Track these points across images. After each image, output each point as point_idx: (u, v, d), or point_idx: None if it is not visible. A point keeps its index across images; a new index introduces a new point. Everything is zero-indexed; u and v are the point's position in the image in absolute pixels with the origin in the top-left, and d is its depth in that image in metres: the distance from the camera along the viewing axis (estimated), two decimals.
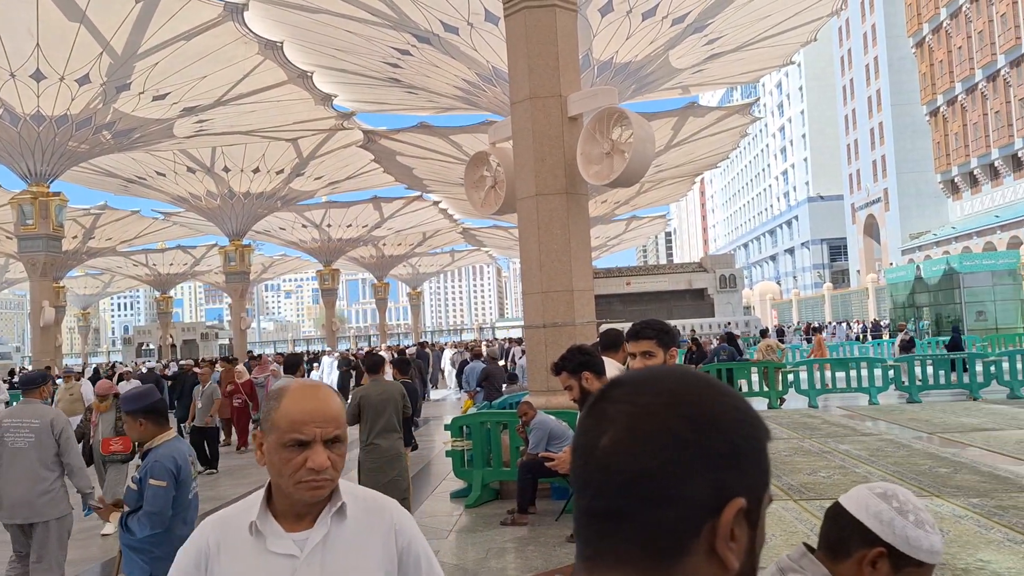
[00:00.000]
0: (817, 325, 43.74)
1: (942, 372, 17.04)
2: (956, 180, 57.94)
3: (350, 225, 45.02)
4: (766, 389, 16.94)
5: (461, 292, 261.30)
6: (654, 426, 0.74)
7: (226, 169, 32.63)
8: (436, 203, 41.87)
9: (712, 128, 32.02)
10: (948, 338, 23.60)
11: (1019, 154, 49.79)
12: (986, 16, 51.34)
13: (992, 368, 16.70)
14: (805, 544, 1.62)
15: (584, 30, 21.13)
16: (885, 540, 1.54)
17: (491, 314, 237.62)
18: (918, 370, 16.92)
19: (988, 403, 15.38)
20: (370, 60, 21.93)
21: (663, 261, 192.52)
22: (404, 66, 22.08)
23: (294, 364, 10.33)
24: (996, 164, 52.48)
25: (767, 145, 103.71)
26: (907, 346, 22.67)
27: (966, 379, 16.86)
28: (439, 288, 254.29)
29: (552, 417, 8.22)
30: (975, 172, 55.17)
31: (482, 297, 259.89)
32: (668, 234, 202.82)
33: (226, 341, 64.74)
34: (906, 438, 11.77)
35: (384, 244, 52.62)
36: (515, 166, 11.03)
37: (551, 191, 10.65)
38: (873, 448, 10.85)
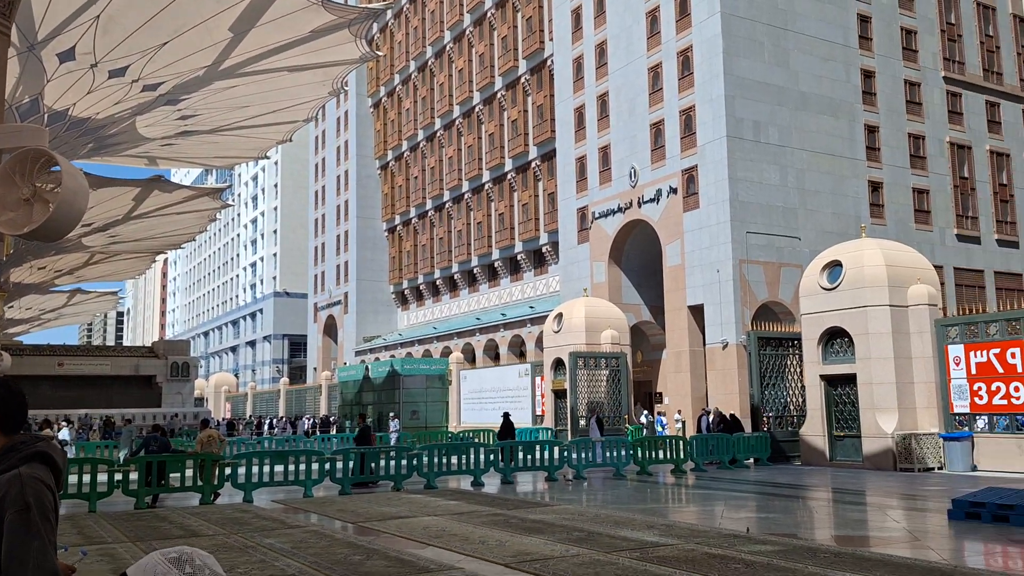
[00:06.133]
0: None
1: (372, 464, 18.11)
2: (405, 292, 65.07)
3: None
4: (200, 483, 15.98)
5: None
6: None
7: None
8: None
9: (180, 207, 30.61)
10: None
11: (455, 276, 58.18)
12: (437, 156, 59.96)
13: (415, 461, 18.34)
14: None
15: (35, 71, 18.58)
16: None
17: None
18: (339, 464, 17.64)
19: (408, 493, 16.73)
20: None
21: (112, 342, 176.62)
22: None
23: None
24: (437, 283, 60.44)
25: (238, 235, 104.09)
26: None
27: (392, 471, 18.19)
28: None
29: None
30: (421, 287, 62.70)
31: None
32: (121, 313, 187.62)
33: None
34: (331, 528, 12.00)
35: None
36: None
37: None
38: (297, 540, 10.77)
